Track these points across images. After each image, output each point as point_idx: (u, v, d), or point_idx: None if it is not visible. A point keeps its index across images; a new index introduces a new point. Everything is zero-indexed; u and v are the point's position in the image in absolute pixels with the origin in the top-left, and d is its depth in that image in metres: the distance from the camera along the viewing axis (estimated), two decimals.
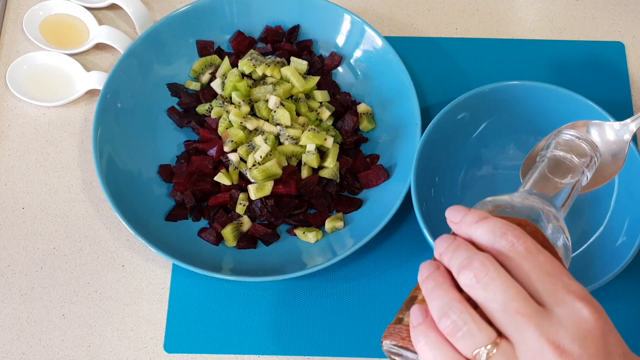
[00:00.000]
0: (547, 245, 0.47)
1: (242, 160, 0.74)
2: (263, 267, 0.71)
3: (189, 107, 0.79)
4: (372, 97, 0.79)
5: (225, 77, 0.78)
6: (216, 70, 0.80)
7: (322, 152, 0.75)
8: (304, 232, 0.73)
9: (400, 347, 0.46)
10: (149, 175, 0.76)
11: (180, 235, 0.73)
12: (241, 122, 0.74)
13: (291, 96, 0.78)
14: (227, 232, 0.72)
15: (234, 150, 0.74)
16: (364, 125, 0.78)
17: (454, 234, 0.48)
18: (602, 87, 0.81)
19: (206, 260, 0.71)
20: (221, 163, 0.75)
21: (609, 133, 0.61)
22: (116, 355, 0.70)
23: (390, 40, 0.80)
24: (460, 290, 0.44)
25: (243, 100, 0.76)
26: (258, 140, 0.74)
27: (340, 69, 0.81)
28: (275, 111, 0.75)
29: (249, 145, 0.74)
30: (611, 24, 0.85)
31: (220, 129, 0.75)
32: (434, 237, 0.64)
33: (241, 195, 0.73)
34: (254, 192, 0.72)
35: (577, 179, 0.54)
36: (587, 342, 0.42)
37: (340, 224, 0.73)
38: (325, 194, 0.74)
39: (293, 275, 0.69)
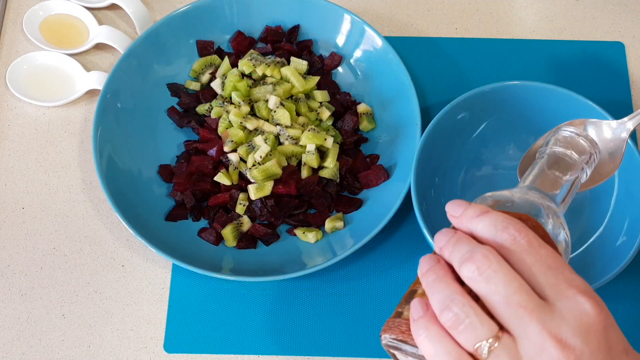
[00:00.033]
0: (547, 240, 0.47)
1: (242, 160, 0.74)
2: (263, 267, 0.71)
3: (189, 107, 0.79)
4: (372, 97, 0.79)
5: (225, 77, 0.78)
6: (216, 70, 0.80)
7: (322, 152, 0.75)
8: (304, 232, 0.73)
9: (400, 340, 0.46)
10: (149, 175, 0.76)
11: (180, 235, 0.73)
12: (241, 122, 0.74)
13: (291, 96, 0.78)
14: (227, 232, 0.72)
15: (234, 150, 0.74)
16: (364, 125, 0.78)
17: (453, 228, 0.47)
18: (602, 87, 0.81)
19: (206, 260, 0.71)
20: (221, 163, 0.75)
21: (606, 131, 0.61)
22: (116, 355, 0.70)
23: (390, 40, 0.80)
24: (461, 284, 0.44)
25: (243, 100, 0.76)
26: (258, 140, 0.74)
27: (340, 69, 0.81)
28: (275, 111, 0.75)
29: (249, 145, 0.74)
30: (611, 24, 0.85)
31: (220, 129, 0.75)
32: (434, 237, 0.64)
33: (241, 195, 0.73)
34: (254, 192, 0.72)
35: (576, 176, 0.54)
36: (589, 337, 0.42)
37: (340, 224, 0.73)
38: (325, 194, 0.74)
39: (293, 275, 0.69)
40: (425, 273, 0.45)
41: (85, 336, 0.71)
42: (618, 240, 0.69)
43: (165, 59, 0.80)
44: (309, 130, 0.74)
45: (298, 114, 0.77)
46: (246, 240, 0.73)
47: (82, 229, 0.75)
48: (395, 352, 0.47)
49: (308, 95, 0.78)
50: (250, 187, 0.72)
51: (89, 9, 0.84)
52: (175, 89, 0.80)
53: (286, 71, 0.77)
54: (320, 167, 0.75)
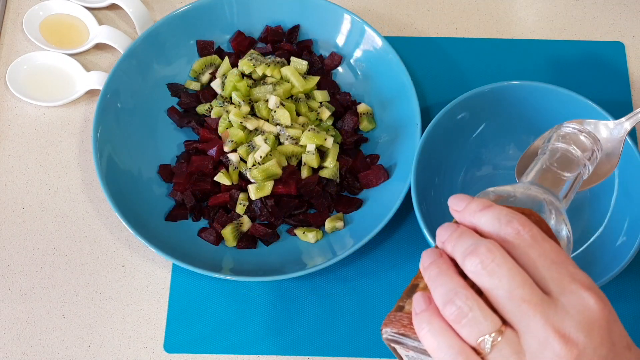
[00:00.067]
0: (550, 235, 0.47)
1: (242, 160, 0.74)
2: (263, 267, 0.71)
3: (189, 107, 0.79)
4: (372, 97, 0.79)
5: (225, 77, 0.78)
6: (216, 70, 0.80)
7: (322, 152, 0.75)
8: (304, 232, 0.73)
9: (402, 334, 0.45)
10: (149, 175, 0.76)
11: (180, 235, 0.73)
12: (241, 122, 0.74)
13: (291, 96, 0.78)
14: (227, 232, 0.72)
15: (234, 150, 0.74)
16: (364, 125, 0.78)
17: (456, 223, 0.47)
18: (602, 87, 0.81)
19: (206, 260, 0.71)
20: (221, 163, 0.75)
21: (603, 132, 0.61)
22: (116, 355, 0.70)
23: (390, 40, 0.80)
24: (463, 278, 0.44)
25: (243, 100, 0.76)
26: (258, 140, 0.74)
27: (340, 69, 0.81)
28: (275, 111, 0.75)
29: (249, 145, 0.74)
30: (611, 24, 0.85)
31: (220, 129, 0.75)
32: (434, 237, 0.64)
33: (241, 195, 0.73)
34: (254, 192, 0.72)
35: (578, 172, 0.54)
36: (592, 332, 0.41)
37: (340, 224, 0.73)
38: (325, 194, 0.74)
39: (293, 275, 0.69)
40: (427, 267, 0.45)
41: (85, 336, 0.71)
42: (618, 240, 0.69)
43: (165, 59, 0.80)
44: (309, 130, 0.74)
45: (298, 114, 0.77)
46: (246, 240, 0.73)
47: (82, 229, 0.75)
48: (396, 347, 0.47)
49: (308, 95, 0.78)
50: (250, 187, 0.72)
51: (89, 9, 0.84)
52: (175, 89, 0.80)
53: (286, 71, 0.77)
54: (320, 167, 0.75)
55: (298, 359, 0.70)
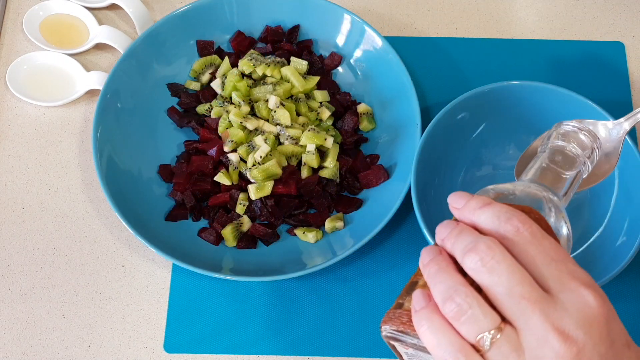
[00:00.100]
0: (550, 233, 0.47)
1: (242, 160, 0.74)
2: (263, 267, 0.71)
3: (189, 107, 0.79)
4: (372, 97, 0.79)
5: (225, 77, 0.78)
6: (216, 70, 0.80)
7: (322, 152, 0.75)
8: (304, 232, 0.73)
9: (401, 332, 0.45)
10: (149, 175, 0.76)
11: (180, 235, 0.73)
12: (241, 122, 0.74)
13: (291, 96, 0.78)
14: (227, 232, 0.72)
15: (234, 150, 0.74)
16: (364, 125, 0.78)
17: (455, 220, 0.47)
18: (602, 87, 0.81)
19: (206, 260, 0.71)
20: (221, 163, 0.75)
21: (602, 132, 0.61)
22: (116, 355, 0.70)
23: (390, 40, 0.80)
24: (463, 275, 0.44)
25: (243, 100, 0.76)
26: (258, 140, 0.74)
27: (340, 69, 0.81)
28: (275, 111, 0.75)
29: (249, 145, 0.74)
30: (611, 24, 0.85)
31: (220, 129, 0.75)
32: (434, 237, 0.64)
33: (241, 195, 0.73)
34: (254, 192, 0.72)
35: (578, 170, 0.54)
36: (591, 329, 0.41)
37: (340, 224, 0.73)
38: (325, 194, 0.74)
39: (293, 275, 0.69)
40: (427, 264, 0.45)
41: (85, 336, 0.71)
42: (618, 240, 0.69)
43: (165, 59, 0.80)
44: (309, 130, 0.74)
45: (298, 114, 0.77)
46: (246, 240, 0.73)
47: (82, 229, 0.75)
48: (395, 344, 0.47)
49: (308, 95, 0.78)
50: (250, 187, 0.72)
51: (89, 9, 0.84)
52: (175, 89, 0.80)
53: (286, 71, 0.77)
54: (320, 167, 0.75)
55: (298, 359, 0.70)
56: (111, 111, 0.76)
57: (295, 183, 0.73)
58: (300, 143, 0.74)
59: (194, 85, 0.80)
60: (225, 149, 0.74)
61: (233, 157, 0.74)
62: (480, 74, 0.82)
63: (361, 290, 0.72)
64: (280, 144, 0.75)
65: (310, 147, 0.74)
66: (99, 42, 0.82)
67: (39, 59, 0.82)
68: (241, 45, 0.81)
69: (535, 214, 0.47)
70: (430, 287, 0.44)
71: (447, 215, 0.49)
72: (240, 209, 0.73)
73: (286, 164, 0.74)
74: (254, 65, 0.78)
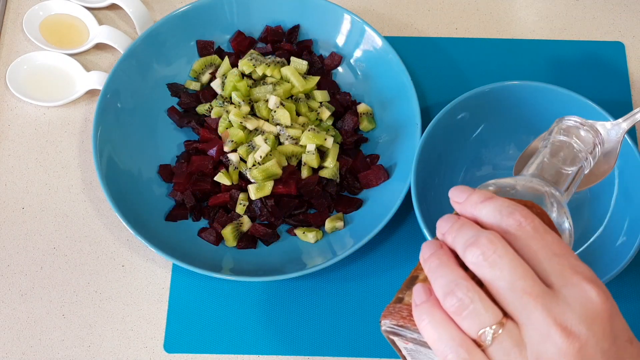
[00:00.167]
0: (552, 227, 0.46)
1: (242, 160, 0.74)
2: (263, 267, 0.71)
3: (189, 107, 0.79)
4: (372, 97, 0.79)
5: (225, 77, 0.78)
6: (216, 70, 0.80)
7: (322, 152, 0.75)
8: (304, 232, 0.73)
9: (401, 326, 0.45)
10: (149, 175, 0.76)
11: (180, 235, 0.73)
12: (241, 122, 0.74)
13: (291, 96, 0.78)
14: (227, 232, 0.72)
15: (234, 150, 0.74)
16: (364, 125, 0.78)
17: (456, 214, 0.47)
18: (602, 87, 0.81)
19: (206, 260, 0.71)
20: (221, 163, 0.75)
21: (600, 132, 0.61)
22: (116, 355, 0.70)
23: (390, 40, 0.80)
24: (464, 270, 0.43)
25: (243, 100, 0.76)
26: (258, 140, 0.74)
27: (340, 69, 0.81)
28: (275, 111, 0.75)
29: (249, 145, 0.74)
30: (611, 24, 0.85)
31: (220, 129, 0.75)
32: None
33: (241, 195, 0.73)
34: (254, 192, 0.72)
35: (580, 165, 0.53)
36: (594, 325, 0.41)
37: (340, 224, 0.73)
38: (325, 194, 0.74)
39: (293, 275, 0.69)
40: (428, 258, 0.45)
41: (85, 336, 0.71)
42: (618, 240, 0.68)
43: (165, 59, 0.80)
44: (309, 130, 0.74)
45: (298, 114, 0.77)
46: (246, 240, 0.73)
47: (82, 229, 0.75)
48: (395, 338, 0.46)
49: (308, 95, 0.78)
50: (250, 187, 0.72)
51: (89, 9, 0.84)
52: (175, 89, 0.80)
53: (286, 71, 0.77)
54: (320, 167, 0.75)
55: (298, 359, 0.70)
56: (111, 111, 0.76)
57: (295, 183, 0.73)
58: (300, 143, 0.74)
59: (194, 85, 0.80)
60: (225, 149, 0.74)
61: (233, 157, 0.74)
62: (480, 74, 0.82)
63: (361, 290, 0.72)
64: (280, 144, 0.75)
65: (310, 147, 0.74)
66: (99, 42, 0.82)
67: (39, 59, 0.82)
68: (241, 45, 0.81)
69: (537, 209, 0.47)
70: (431, 281, 0.44)
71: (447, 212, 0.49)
72: (240, 209, 0.73)
73: (286, 164, 0.74)
74: (254, 65, 0.78)
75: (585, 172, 0.54)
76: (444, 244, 0.45)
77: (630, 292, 0.72)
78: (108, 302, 0.72)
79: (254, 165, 0.72)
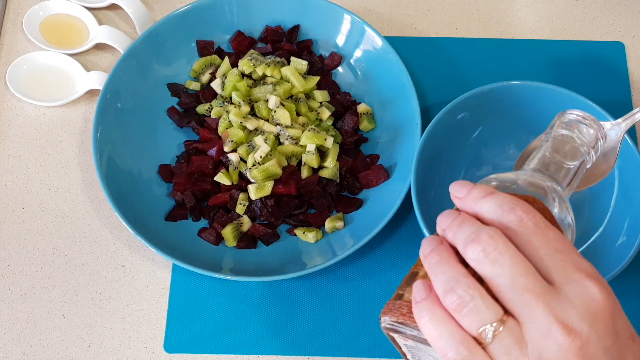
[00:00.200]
0: (553, 223, 0.46)
1: (242, 160, 0.74)
2: (263, 267, 0.71)
3: (189, 107, 0.79)
4: (372, 97, 0.79)
5: (225, 77, 0.78)
6: (216, 70, 0.80)
7: (322, 152, 0.75)
8: (304, 232, 0.73)
9: (401, 323, 0.44)
10: (149, 175, 0.76)
11: (180, 235, 0.73)
12: (241, 122, 0.74)
13: (291, 96, 0.78)
14: (227, 232, 0.72)
15: (234, 150, 0.74)
16: (364, 125, 0.78)
17: (457, 209, 0.46)
18: (602, 87, 0.81)
19: (206, 260, 0.71)
20: (221, 163, 0.75)
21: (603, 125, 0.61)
22: (116, 355, 0.70)
23: (390, 40, 0.80)
24: (465, 266, 0.43)
25: (243, 100, 0.76)
26: (258, 140, 0.74)
27: (340, 69, 0.81)
28: (275, 111, 0.75)
29: (249, 145, 0.74)
30: (611, 24, 0.85)
31: (220, 129, 0.75)
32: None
33: (241, 195, 0.73)
34: (254, 192, 0.72)
35: (582, 160, 0.53)
36: (596, 322, 0.41)
37: (340, 224, 0.73)
38: (325, 194, 0.74)
39: (293, 275, 0.69)
40: (428, 254, 0.44)
41: (85, 336, 0.71)
42: (618, 240, 0.68)
43: (165, 59, 0.80)
44: (309, 130, 0.74)
45: (298, 114, 0.77)
46: (246, 240, 0.73)
47: (82, 229, 0.75)
48: (395, 335, 0.46)
49: (308, 95, 0.78)
50: (250, 187, 0.72)
51: (89, 9, 0.84)
52: (175, 89, 0.80)
53: (286, 71, 0.77)
54: (320, 167, 0.75)
55: (298, 359, 0.70)
56: (111, 111, 0.76)
57: (295, 183, 0.73)
58: (300, 143, 0.74)
59: (194, 85, 0.80)
60: (225, 149, 0.74)
61: (233, 157, 0.74)
62: (480, 74, 0.82)
63: (361, 290, 0.72)
64: (280, 144, 0.75)
65: (310, 147, 0.74)
66: (99, 42, 0.82)
67: (39, 59, 0.82)
68: (241, 45, 0.81)
69: (539, 204, 0.46)
70: (431, 278, 0.43)
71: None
72: (240, 209, 0.73)
73: (286, 164, 0.74)
74: (254, 65, 0.78)
75: (588, 166, 0.53)
76: (445, 239, 0.45)
77: (630, 292, 0.72)
78: (108, 302, 0.72)
79: (254, 165, 0.72)
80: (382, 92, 0.79)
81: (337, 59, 0.81)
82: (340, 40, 0.81)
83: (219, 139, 0.75)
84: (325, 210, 0.74)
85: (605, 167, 0.60)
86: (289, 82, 0.77)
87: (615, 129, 0.60)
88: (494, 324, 0.41)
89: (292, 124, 0.75)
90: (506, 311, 0.41)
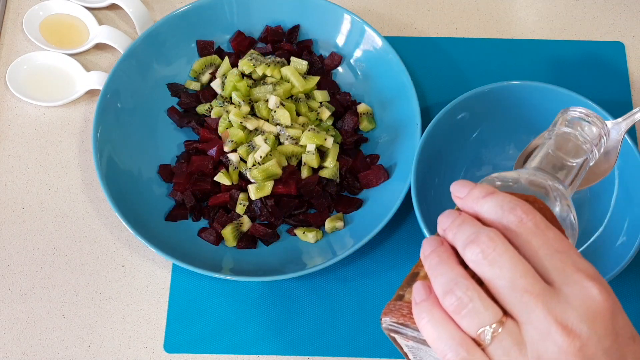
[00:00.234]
0: (555, 222, 0.46)
1: (242, 160, 0.74)
2: (263, 267, 0.71)
3: (189, 107, 0.79)
4: (372, 97, 0.79)
5: (225, 77, 0.78)
6: (216, 70, 0.80)
7: (322, 152, 0.75)
8: (304, 232, 0.73)
9: (401, 324, 0.44)
10: (149, 175, 0.76)
11: (180, 235, 0.73)
12: (241, 122, 0.74)
13: (291, 96, 0.78)
14: (227, 232, 0.72)
15: (234, 150, 0.74)
16: (364, 125, 0.78)
17: (458, 209, 0.46)
18: (602, 87, 0.81)
19: (206, 260, 0.71)
20: (221, 163, 0.75)
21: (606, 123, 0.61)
22: (116, 355, 0.70)
23: (390, 40, 0.80)
24: (464, 267, 0.43)
25: (243, 100, 0.76)
26: (258, 140, 0.74)
27: (340, 69, 0.81)
28: (275, 111, 0.75)
29: (249, 145, 0.74)
30: (611, 24, 0.85)
31: (220, 129, 0.75)
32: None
33: (241, 195, 0.73)
34: (254, 192, 0.72)
35: (585, 158, 0.52)
36: (596, 323, 0.41)
37: (340, 224, 0.73)
38: (325, 194, 0.74)
39: (293, 275, 0.69)
40: (428, 255, 0.44)
41: (85, 336, 0.71)
42: (618, 240, 0.68)
43: (165, 59, 0.80)
44: (309, 130, 0.74)
45: (298, 114, 0.77)
46: (246, 240, 0.73)
47: (82, 229, 0.75)
48: (396, 336, 0.46)
49: (308, 95, 0.78)
50: (250, 187, 0.72)
51: (89, 9, 0.84)
52: (175, 89, 0.80)
53: (286, 71, 0.77)
54: (320, 167, 0.75)
55: (298, 359, 0.70)
56: (111, 111, 0.76)
57: (295, 183, 0.73)
58: (300, 143, 0.74)
59: (194, 85, 0.80)
60: (225, 149, 0.74)
61: (233, 157, 0.74)
62: (480, 74, 0.82)
63: (361, 290, 0.72)
64: (280, 144, 0.75)
65: (310, 147, 0.74)
66: (99, 42, 0.82)
67: (39, 59, 0.82)
68: (241, 45, 0.81)
69: (540, 204, 0.46)
70: (431, 279, 0.43)
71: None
72: (240, 209, 0.73)
73: (286, 164, 0.74)
74: (254, 65, 0.78)
75: (591, 164, 0.53)
76: (445, 240, 0.45)
77: (630, 292, 0.72)
78: (108, 302, 0.72)
79: (254, 165, 0.72)
80: (382, 92, 0.79)
81: (337, 59, 0.81)
82: (340, 40, 0.81)
83: (219, 139, 0.75)
84: (325, 210, 0.74)
85: (606, 167, 0.60)
86: (289, 82, 0.77)
87: (615, 128, 0.60)
88: (493, 326, 0.41)
89: (292, 124, 0.75)
90: (505, 312, 0.41)
